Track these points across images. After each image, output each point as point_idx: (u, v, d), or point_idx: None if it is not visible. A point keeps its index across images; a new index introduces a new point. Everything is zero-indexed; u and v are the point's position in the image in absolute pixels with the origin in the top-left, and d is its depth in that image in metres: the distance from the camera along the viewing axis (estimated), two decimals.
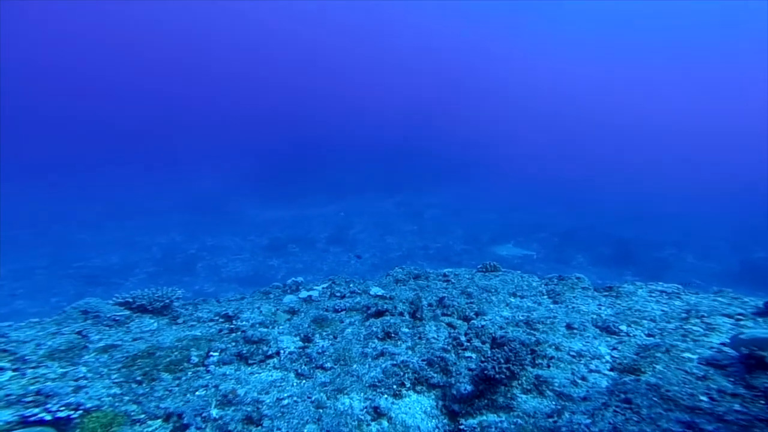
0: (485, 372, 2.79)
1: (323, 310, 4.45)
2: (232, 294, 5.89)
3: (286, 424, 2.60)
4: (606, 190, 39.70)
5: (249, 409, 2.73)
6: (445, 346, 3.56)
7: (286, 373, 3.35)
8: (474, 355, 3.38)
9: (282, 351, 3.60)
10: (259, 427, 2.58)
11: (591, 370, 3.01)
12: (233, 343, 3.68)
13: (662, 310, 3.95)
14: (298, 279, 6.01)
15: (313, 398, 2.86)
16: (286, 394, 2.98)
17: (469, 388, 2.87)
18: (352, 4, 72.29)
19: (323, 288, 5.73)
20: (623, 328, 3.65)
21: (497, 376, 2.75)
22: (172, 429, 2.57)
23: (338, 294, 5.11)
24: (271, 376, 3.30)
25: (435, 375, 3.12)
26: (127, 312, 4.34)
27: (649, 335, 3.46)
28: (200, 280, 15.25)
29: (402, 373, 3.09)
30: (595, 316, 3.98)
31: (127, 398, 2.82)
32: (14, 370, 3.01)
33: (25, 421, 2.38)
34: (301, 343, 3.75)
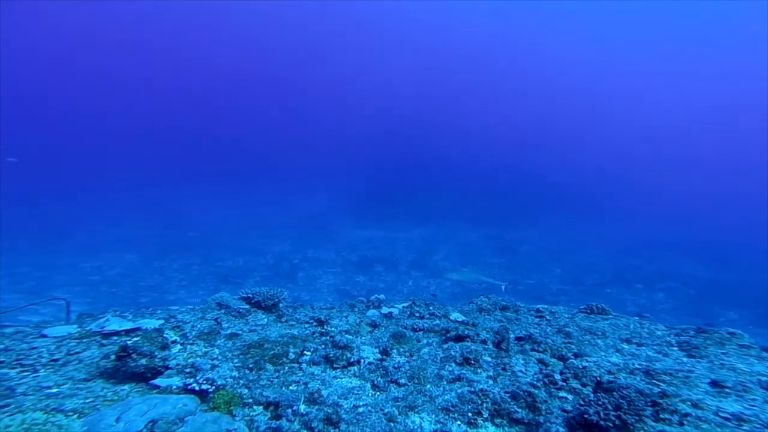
0: (585, 416, 2.41)
1: (402, 327, 4.50)
2: (323, 304, 6.41)
3: (359, 430, 2.70)
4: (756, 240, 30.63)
5: (330, 410, 2.89)
6: (534, 382, 3.18)
7: (364, 382, 3.48)
8: (571, 397, 2.95)
9: (362, 360, 3.76)
10: (336, 430, 2.72)
11: None
12: (323, 346, 3.99)
13: None
14: (380, 296, 6.22)
15: (385, 411, 2.90)
16: (362, 402, 3.08)
17: (562, 430, 2.52)
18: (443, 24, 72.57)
19: (403, 307, 5.80)
20: None
21: (602, 422, 2.33)
22: (269, 416, 2.86)
23: (417, 314, 5.11)
24: (351, 382, 3.47)
25: (519, 410, 2.80)
26: (247, 306, 5.13)
27: None
28: (299, 288, 16.94)
29: (480, 402, 2.87)
30: (764, 378, 3.10)
31: (241, 382, 3.26)
32: (181, 344, 3.87)
33: (185, 388, 2.97)
34: (379, 355, 3.86)
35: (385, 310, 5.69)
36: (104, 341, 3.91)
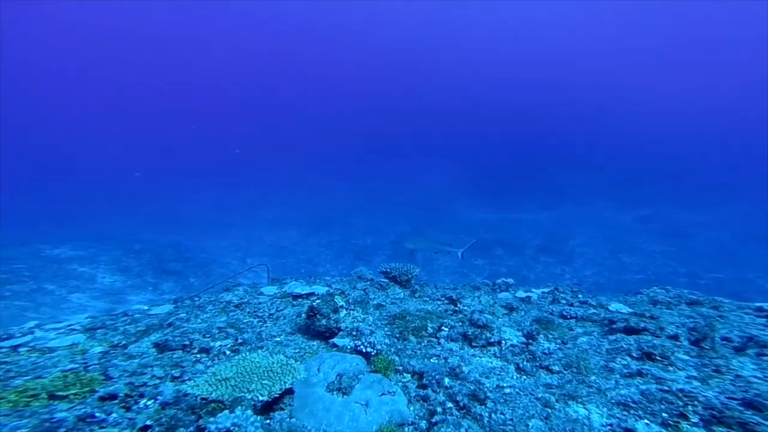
0: None
1: (547, 313, 4.04)
2: (444, 284, 6.31)
3: (510, 411, 2.55)
4: None
5: (472, 387, 2.84)
6: None
7: (506, 364, 3.28)
8: None
9: (504, 342, 3.55)
10: (483, 406, 2.64)
11: None
12: (459, 324, 3.96)
13: None
14: (508, 280, 5.74)
15: (538, 396, 2.65)
16: (506, 384, 2.92)
17: None
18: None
19: (543, 292, 5.21)
20: None
21: None
22: (417, 385, 2.98)
23: (564, 301, 4.49)
24: (491, 362, 3.33)
25: (764, 422, 2.17)
26: (386, 280, 5.56)
27: None
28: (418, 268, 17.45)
29: (681, 404, 2.35)
30: None
31: (392, 350, 3.53)
32: (345, 309, 4.34)
33: (355, 349, 3.43)
34: (523, 339, 3.57)
35: (520, 293, 5.25)
36: (294, 302, 4.82)
